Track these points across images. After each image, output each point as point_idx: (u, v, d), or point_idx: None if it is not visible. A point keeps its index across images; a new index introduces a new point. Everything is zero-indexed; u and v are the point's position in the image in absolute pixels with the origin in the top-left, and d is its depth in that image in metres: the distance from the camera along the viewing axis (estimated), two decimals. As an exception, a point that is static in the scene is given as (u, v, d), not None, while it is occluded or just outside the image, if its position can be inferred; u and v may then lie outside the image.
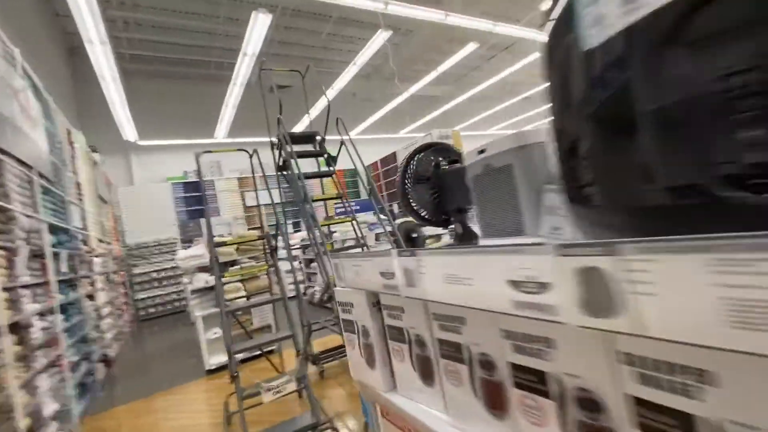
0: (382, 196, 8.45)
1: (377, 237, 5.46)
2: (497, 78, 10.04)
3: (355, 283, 0.76)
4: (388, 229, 6.21)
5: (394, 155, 9.73)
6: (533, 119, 15.84)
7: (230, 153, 3.78)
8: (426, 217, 0.88)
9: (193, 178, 9.76)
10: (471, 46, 7.39)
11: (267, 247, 3.15)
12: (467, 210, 0.81)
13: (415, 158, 0.87)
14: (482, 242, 0.69)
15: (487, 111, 13.23)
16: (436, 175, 0.82)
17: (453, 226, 0.85)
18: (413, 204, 0.86)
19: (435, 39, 7.26)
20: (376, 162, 10.48)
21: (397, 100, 9.79)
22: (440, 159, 0.86)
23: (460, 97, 10.89)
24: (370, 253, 0.66)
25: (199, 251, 4.30)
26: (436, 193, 0.82)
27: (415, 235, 4.25)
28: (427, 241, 5.21)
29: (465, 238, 0.80)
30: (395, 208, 8.08)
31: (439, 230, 5.62)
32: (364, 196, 11.18)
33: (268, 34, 6.06)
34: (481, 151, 0.60)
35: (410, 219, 4.86)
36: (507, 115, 14.62)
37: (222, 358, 3.88)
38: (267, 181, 3.27)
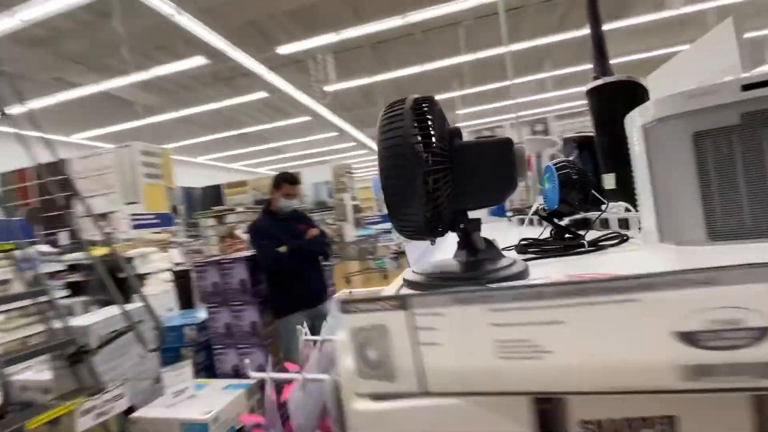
0: (43, 217, 5.72)
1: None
2: (216, 106, 9.36)
3: (497, 376, 0.22)
4: (55, 267, 4.25)
5: (58, 164, 6.90)
6: (253, 155, 15.76)
7: None
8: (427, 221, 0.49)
9: None
10: (199, 60, 6.52)
11: None
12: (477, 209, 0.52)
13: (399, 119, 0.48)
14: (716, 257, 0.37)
15: (199, 138, 12.08)
16: (451, 151, 0.47)
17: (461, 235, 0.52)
18: (437, 198, 0.46)
19: (151, 35, 5.89)
20: (23, 170, 7.07)
21: (80, 90, 7.19)
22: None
23: (172, 113, 9.38)
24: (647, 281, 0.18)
25: None
26: (449, 181, 0.47)
27: (124, 275, 2.94)
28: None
29: (487, 254, 0.51)
30: (62, 238, 5.58)
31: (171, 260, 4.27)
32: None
33: None
34: (751, 86, 0.34)
35: (110, 249, 3.35)
36: (220, 147, 13.86)
37: None
38: None
